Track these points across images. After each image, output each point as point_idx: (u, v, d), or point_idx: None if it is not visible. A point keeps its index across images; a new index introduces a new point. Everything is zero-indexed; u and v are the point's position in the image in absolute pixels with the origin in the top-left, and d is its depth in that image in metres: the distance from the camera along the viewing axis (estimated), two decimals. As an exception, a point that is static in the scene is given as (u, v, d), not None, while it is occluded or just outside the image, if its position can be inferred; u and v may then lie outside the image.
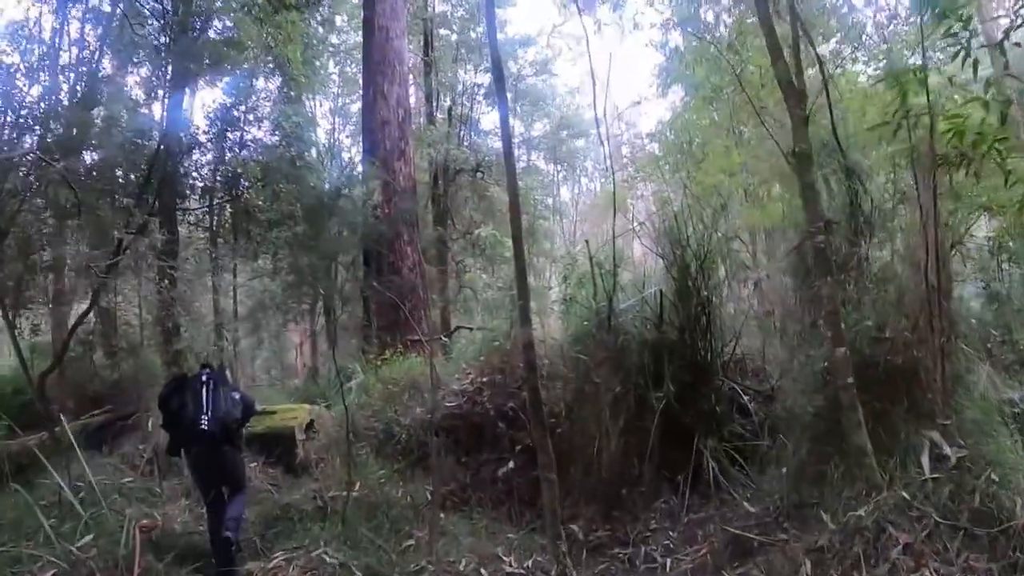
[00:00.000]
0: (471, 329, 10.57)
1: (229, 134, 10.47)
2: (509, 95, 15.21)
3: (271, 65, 10.83)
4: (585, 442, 5.55)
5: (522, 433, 5.86)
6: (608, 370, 5.77)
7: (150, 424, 6.87)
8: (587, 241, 7.54)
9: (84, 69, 9.08)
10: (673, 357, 5.76)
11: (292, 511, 5.37)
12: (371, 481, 5.73)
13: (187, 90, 10.24)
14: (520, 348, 5.69)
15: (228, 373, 5.73)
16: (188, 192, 10.33)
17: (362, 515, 5.21)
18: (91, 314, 8.19)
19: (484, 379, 6.78)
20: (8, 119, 8.16)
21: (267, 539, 5.03)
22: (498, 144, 15.07)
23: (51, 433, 6.68)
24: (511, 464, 5.93)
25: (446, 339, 10.52)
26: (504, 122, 5.15)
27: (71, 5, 9.23)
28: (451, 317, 13.45)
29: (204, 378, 4.92)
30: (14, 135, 8.19)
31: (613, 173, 9.51)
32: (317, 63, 13.69)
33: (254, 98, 11.09)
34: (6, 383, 7.88)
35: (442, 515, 5.34)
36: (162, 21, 9.52)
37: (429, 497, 5.38)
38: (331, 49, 16.58)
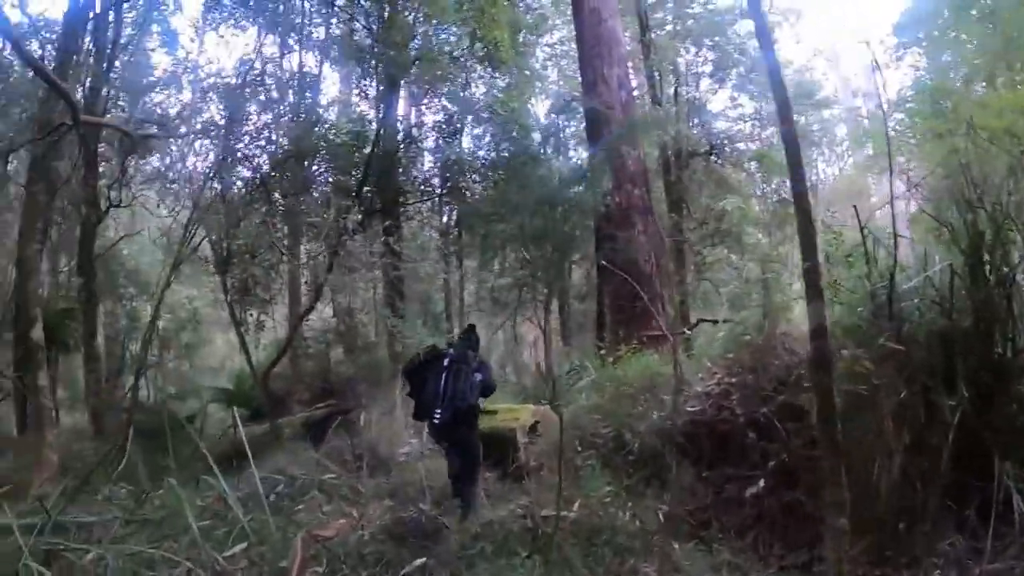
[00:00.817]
0: (715, 322, 9.26)
1: (444, 126, 10.23)
2: (734, 71, 13.76)
3: (480, 53, 10.40)
4: (857, 461, 4.10)
5: (775, 444, 4.71)
6: (890, 369, 4.35)
7: (362, 419, 6.51)
8: (855, 207, 5.81)
9: (306, 84, 9.58)
10: (967, 353, 4.34)
11: (496, 530, 4.35)
12: (594, 499, 4.66)
13: (399, 90, 10.23)
14: (776, 343, 5.08)
15: (472, 354, 5.06)
16: (409, 190, 10.25)
17: (580, 542, 4.09)
18: (315, 311, 8.44)
19: (732, 380, 5.48)
20: (243, 140, 8.75)
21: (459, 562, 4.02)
22: (728, 126, 14.22)
23: (272, 425, 6.75)
24: (761, 483, 4.65)
25: (688, 333, 9.19)
26: (774, 68, 3.68)
27: (292, 36, 9.89)
28: (689, 311, 12.01)
29: (446, 363, 4.84)
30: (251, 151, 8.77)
31: (887, 124, 7.55)
32: (532, 59, 13.25)
33: (468, 91, 10.75)
34: (248, 377, 8.26)
35: (675, 544, 4.15)
36: (371, 29, 9.63)
37: (662, 520, 4.41)
38: (547, 50, 16.18)
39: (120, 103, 9.07)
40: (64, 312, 8.63)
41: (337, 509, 4.80)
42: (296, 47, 10.28)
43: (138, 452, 5.63)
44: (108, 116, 8.86)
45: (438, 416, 4.74)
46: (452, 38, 9.92)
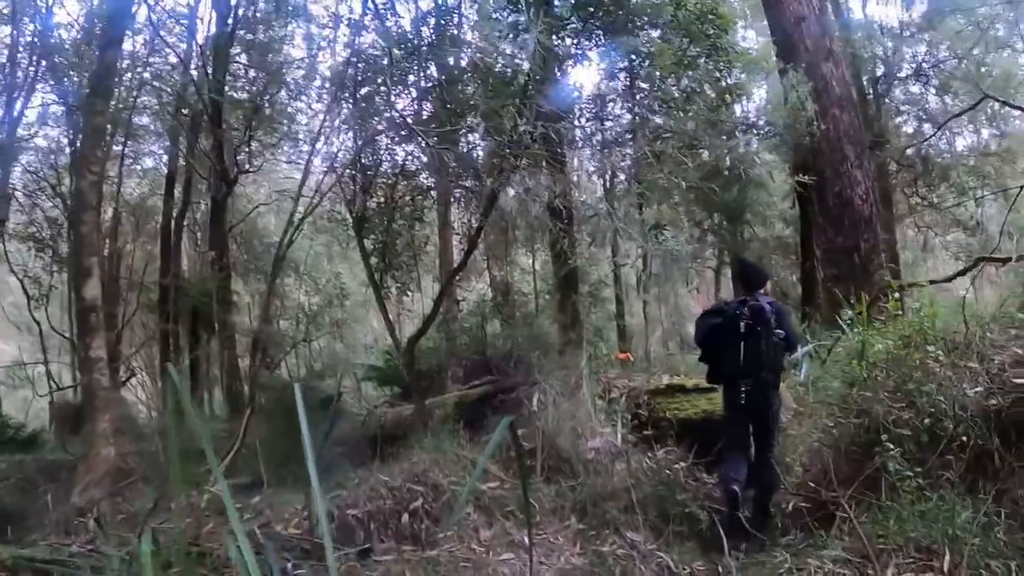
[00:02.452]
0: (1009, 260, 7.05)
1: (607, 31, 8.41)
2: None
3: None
4: None
5: None
6: None
7: (534, 401, 4.87)
8: None
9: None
10: None
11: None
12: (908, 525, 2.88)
13: None
14: None
15: (767, 305, 3.97)
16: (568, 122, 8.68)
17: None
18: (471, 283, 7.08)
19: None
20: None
21: None
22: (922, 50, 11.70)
23: (417, 407, 5.40)
24: None
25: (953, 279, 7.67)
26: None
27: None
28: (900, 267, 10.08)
29: (744, 327, 3.90)
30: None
31: None
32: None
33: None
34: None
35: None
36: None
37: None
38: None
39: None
40: (208, 291, 8.06)
41: (500, 536, 3.16)
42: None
43: (259, 438, 4.50)
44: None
45: (743, 395, 3.85)
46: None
